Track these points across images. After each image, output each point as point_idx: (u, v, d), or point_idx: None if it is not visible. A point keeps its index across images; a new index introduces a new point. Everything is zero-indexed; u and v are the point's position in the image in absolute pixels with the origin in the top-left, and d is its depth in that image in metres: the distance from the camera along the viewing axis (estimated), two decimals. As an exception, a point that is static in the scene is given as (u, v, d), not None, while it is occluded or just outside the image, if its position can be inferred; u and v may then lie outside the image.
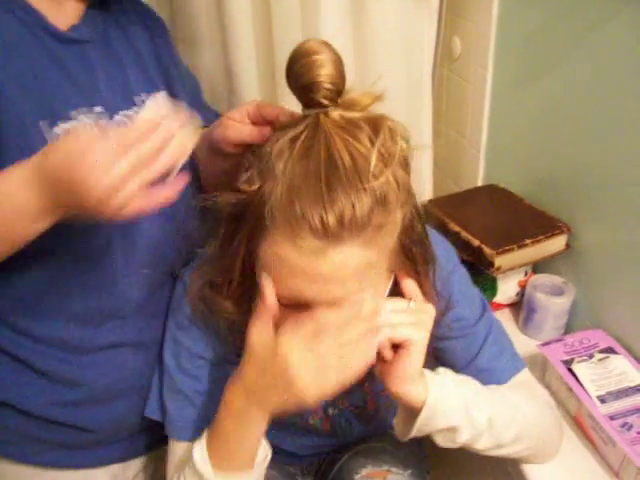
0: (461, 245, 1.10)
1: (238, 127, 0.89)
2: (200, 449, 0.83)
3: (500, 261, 1.25)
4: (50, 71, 0.81)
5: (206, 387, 0.93)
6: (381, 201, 0.70)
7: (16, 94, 0.76)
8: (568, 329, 1.30)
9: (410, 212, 0.78)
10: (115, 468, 1.07)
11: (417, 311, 0.82)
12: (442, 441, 0.85)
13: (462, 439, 0.84)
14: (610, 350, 1.13)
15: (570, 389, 1.07)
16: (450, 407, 0.82)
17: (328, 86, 0.72)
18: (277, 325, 0.77)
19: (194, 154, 1.02)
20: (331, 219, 0.67)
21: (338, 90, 0.73)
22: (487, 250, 1.25)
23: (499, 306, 1.38)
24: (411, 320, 0.80)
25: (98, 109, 0.84)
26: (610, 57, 1.11)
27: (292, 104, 0.79)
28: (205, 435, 0.84)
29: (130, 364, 0.97)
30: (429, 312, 0.83)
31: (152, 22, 1.02)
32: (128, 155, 0.66)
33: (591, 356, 1.12)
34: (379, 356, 0.81)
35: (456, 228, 1.32)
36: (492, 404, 0.86)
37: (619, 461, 0.98)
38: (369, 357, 0.76)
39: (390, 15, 1.45)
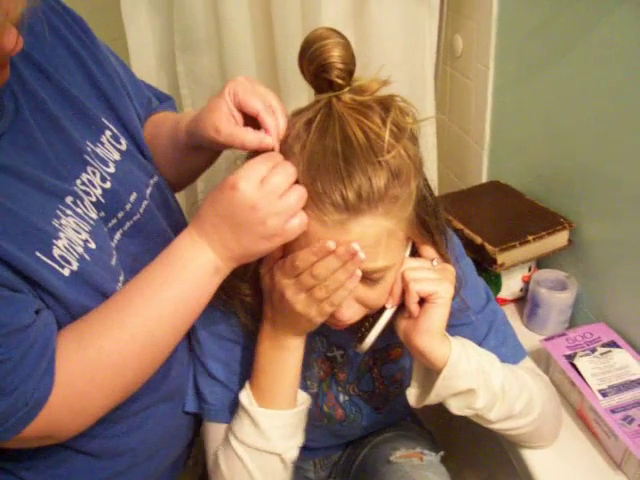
0: (464, 242, 1.12)
1: (232, 126, 0.82)
2: (245, 393, 0.90)
3: (503, 258, 1.26)
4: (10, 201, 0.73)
5: (236, 369, 0.98)
6: (395, 174, 0.75)
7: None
8: (572, 323, 1.31)
9: (422, 183, 0.82)
10: None
11: (440, 269, 0.86)
12: (457, 407, 0.87)
13: (479, 404, 0.85)
14: (612, 344, 1.14)
15: (573, 383, 1.08)
16: (470, 368, 0.84)
17: (341, 66, 0.75)
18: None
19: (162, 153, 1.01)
20: (350, 194, 0.72)
21: (350, 70, 0.77)
22: (489, 247, 1.26)
23: (503, 301, 1.39)
24: (436, 276, 0.84)
25: (69, 199, 0.80)
26: (610, 53, 1.12)
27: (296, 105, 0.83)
28: (247, 382, 0.91)
29: (165, 416, 0.97)
30: (451, 270, 0.87)
31: (73, 37, 0.91)
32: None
33: (593, 350, 1.13)
34: (404, 314, 0.86)
35: (459, 225, 1.34)
36: (504, 373, 0.89)
37: (621, 454, 0.99)
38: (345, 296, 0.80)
39: (391, 14, 1.47)
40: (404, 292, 0.85)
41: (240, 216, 0.75)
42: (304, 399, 0.94)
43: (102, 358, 0.76)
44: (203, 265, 0.79)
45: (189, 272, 0.79)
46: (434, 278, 0.84)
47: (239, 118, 0.84)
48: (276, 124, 0.80)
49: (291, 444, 0.91)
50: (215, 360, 0.97)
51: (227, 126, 0.82)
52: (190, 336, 1.00)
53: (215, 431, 0.98)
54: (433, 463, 1.09)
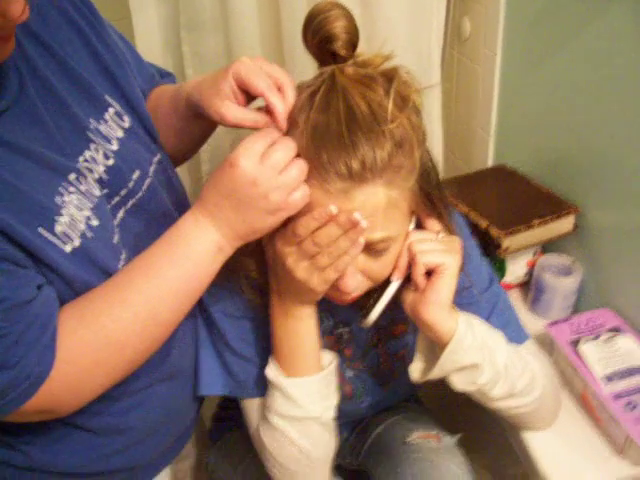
0: (470, 226, 1.12)
1: (235, 111, 0.82)
2: (270, 367, 0.92)
3: (508, 242, 1.26)
4: (10, 174, 0.73)
5: (256, 344, 0.98)
6: (399, 144, 0.75)
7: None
8: (577, 309, 1.31)
9: (425, 156, 0.82)
10: None
11: (446, 240, 0.86)
12: (461, 382, 0.87)
13: (482, 380, 0.86)
14: (617, 329, 1.14)
15: (576, 369, 1.08)
16: (476, 343, 0.85)
17: (344, 37, 0.76)
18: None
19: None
20: (355, 163, 0.72)
21: (353, 42, 0.78)
22: (495, 231, 1.26)
23: (508, 286, 1.38)
24: (442, 247, 0.85)
25: (72, 176, 0.79)
26: (618, 38, 1.10)
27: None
28: (270, 356, 0.93)
29: (165, 396, 0.97)
30: (457, 241, 0.87)
31: (79, 17, 0.89)
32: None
33: (598, 336, 1.12)
34: (410, 287, 0.86)
35: (464, 209, 1.33)
36: (507, 351, 0.89)
37: (623, 439, 0.99)
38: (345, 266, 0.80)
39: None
40: (410, 265, 0.85)
41: (242, 192, 0.75)
42: (330, 359, 0.94)
43: (104, 336, 0.76)
44: (206, 244, 0.79)
45: (192, 252, 0.79)
46: (441, 249, 0.84)
47: (241, 99, 0.84)
48: (284, 101, 0.79)
49: (326, 405, 0.92)
50: (236, 338, 0.98)
51: (230, 111, 0.82)
52: (196, 317, 1.01)
53: (253, 408, 0.99)
54: (449, 446, 1.09)
